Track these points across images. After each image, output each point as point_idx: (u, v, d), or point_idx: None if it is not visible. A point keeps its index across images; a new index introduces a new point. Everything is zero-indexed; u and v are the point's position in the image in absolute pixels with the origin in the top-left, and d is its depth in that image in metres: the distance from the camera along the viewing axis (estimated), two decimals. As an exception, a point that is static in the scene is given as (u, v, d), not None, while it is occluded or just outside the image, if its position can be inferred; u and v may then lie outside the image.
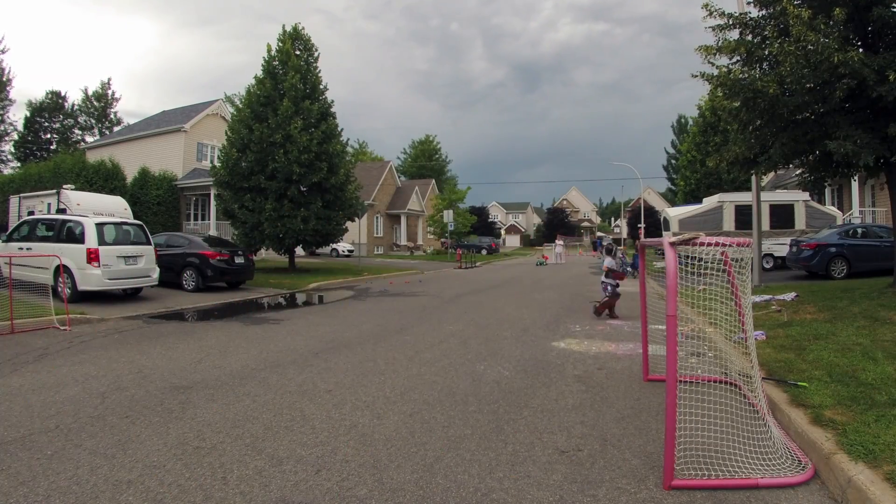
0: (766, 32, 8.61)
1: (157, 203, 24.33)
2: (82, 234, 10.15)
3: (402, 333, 7.75)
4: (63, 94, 48.34)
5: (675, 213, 19.58)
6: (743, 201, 16.34)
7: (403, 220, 42.14)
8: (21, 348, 6.54)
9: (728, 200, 17.43)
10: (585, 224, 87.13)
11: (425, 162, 60.44)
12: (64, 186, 15.89)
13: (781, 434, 3.52)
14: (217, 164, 19.10)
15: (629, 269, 20.40)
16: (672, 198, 44.04)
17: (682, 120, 48.21)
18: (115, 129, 45.59)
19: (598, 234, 77.82)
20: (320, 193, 17.90)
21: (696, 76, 9.02)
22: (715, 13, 8.91)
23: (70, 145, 43.85)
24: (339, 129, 18.97)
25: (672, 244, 3.21)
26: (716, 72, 8.82)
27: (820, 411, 3.62)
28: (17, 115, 47.67)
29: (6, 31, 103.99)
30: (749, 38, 8.94)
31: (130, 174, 24.53)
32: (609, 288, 9.46)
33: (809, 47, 7.30)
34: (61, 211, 13.86)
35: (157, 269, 11.29)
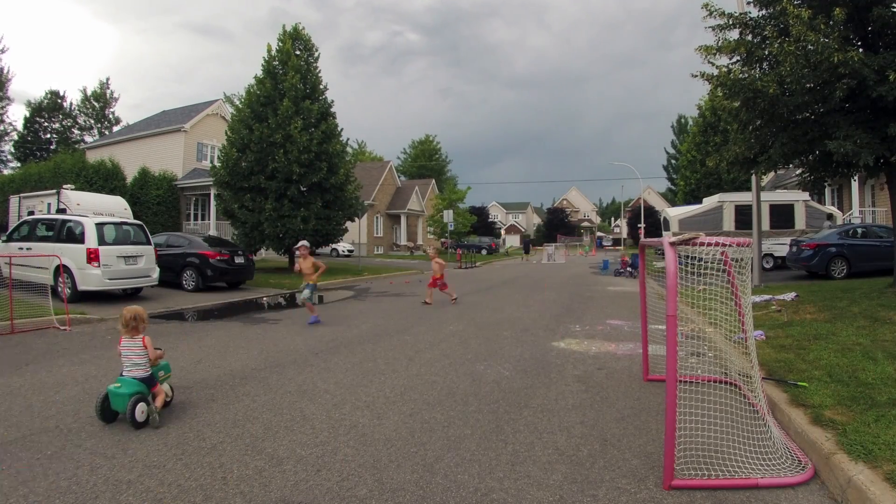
0: (766, 32, 8.62)
1: (157, 203, 24.31)
2: (82, 234, 10.15)
3: (402, 333, 7.74)
4: (62, 93, 48.37)
5: (675, 213, 19.61)
6: (743, 201, 16.34)
7: (403, 220, 42.13)
8: (21, 348, 6.54)
9: (728, 200, 17.44)
10: (585, 224, 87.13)
11: (425, 162, 60.48)
12: (64, 186, 15.89)
13: (781, 434, 3.52)
14: (217, 164, 19.11)
15: (629, 269, 20.47)
16: (672, 198, 44.07)
17: (682, 120, 48.31)
18: (115, 128, 45.61)
19: (599, 234, 78.02)
20: (320, 193, 17.90)
21: (696, 76, 9.04)
22: (715, 13, 8.91)
23: (70, 145, 43.79)
24: (339, 128, 18.99)
25: (672, 244, 3.21)
26: (716, 72, 8.83)
27: (820, 411, 3.62)
28: (17, 115, 47.79)
29: (6, 31, 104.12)
30: (749, 37, 8.94)
31: (130, 174, 24.53)
32: None
33: (809, 47, 7.31)
34: (61, 211, 13.87)
35: (157, 269, 11.29)
